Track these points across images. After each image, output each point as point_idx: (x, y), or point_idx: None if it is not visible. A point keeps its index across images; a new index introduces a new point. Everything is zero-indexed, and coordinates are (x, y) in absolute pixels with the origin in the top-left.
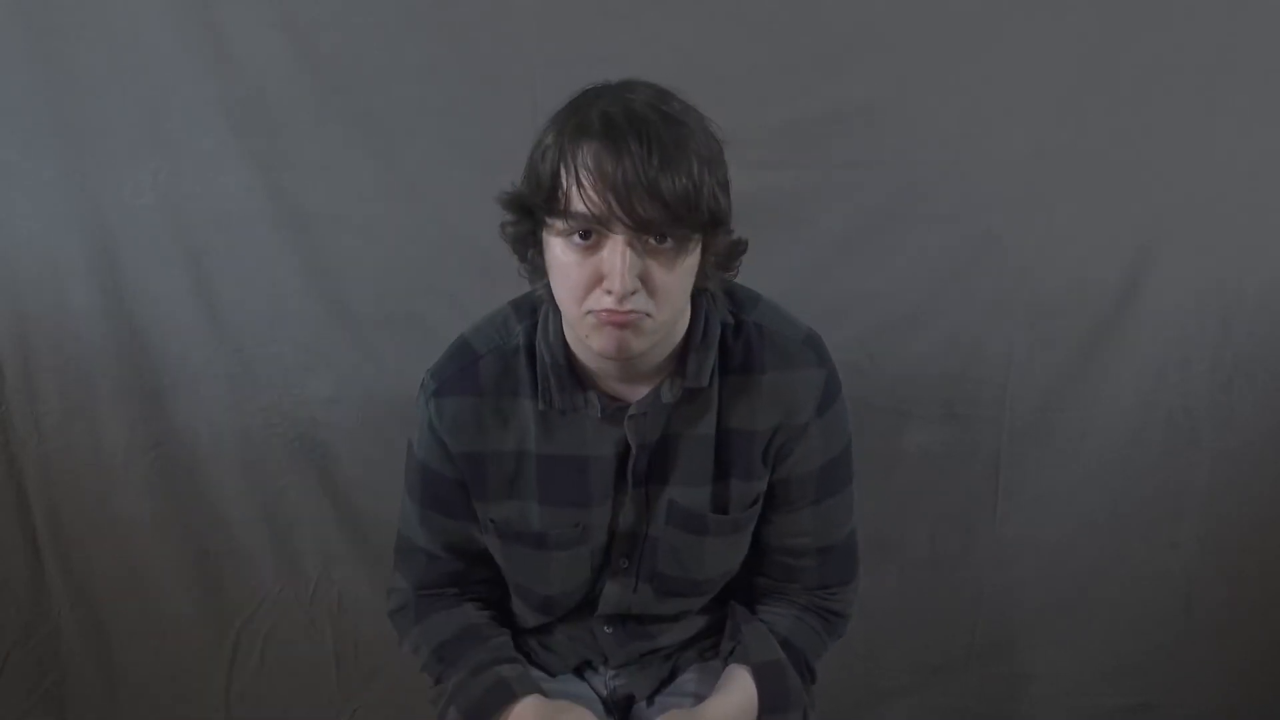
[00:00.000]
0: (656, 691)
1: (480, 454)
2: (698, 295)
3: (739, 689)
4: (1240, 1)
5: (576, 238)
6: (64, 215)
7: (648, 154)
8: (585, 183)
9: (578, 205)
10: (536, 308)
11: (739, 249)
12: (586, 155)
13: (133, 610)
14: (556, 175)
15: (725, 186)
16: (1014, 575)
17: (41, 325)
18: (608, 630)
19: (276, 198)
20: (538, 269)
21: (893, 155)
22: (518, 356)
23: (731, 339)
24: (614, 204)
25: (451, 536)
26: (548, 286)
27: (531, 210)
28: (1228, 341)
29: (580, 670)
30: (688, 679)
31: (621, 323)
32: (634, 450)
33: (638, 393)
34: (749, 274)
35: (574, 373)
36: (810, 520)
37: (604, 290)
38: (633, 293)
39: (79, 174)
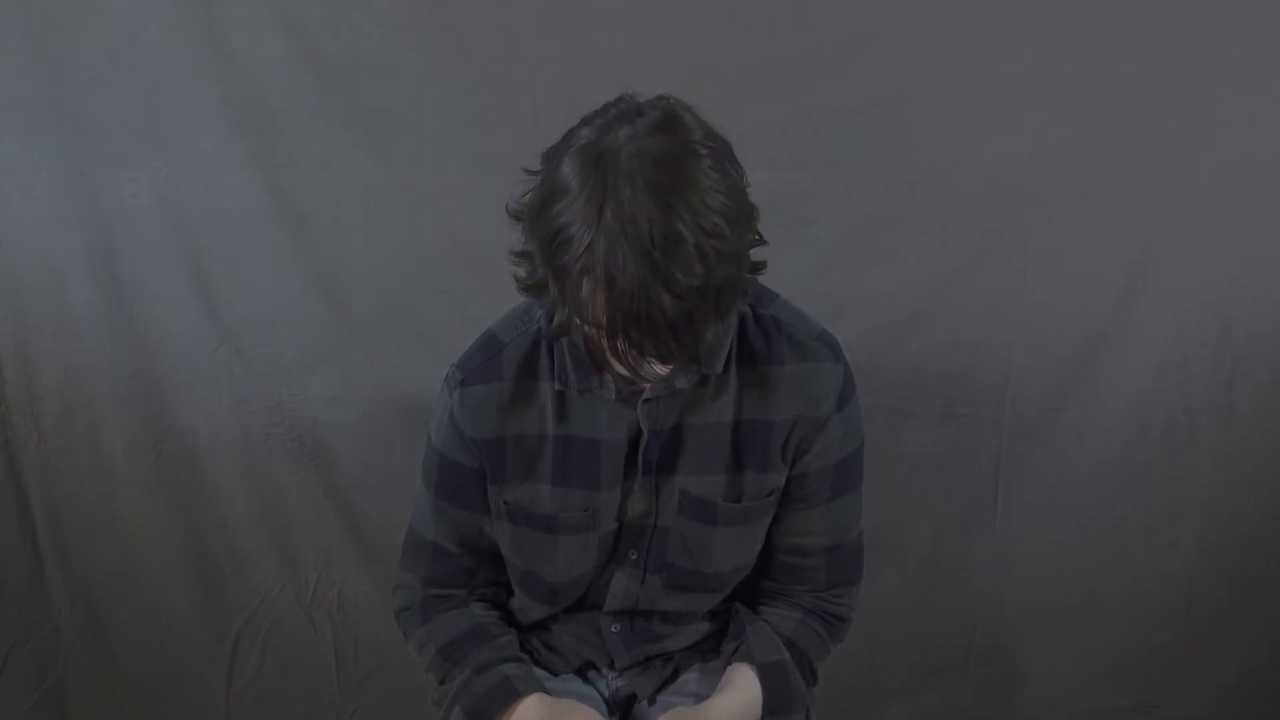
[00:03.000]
0: (659, 691)
1: (500, 438)
2: None
3: (743, 688)
4: (1240, 2)
5: None
6: (64, 215)
7: (664, 328)
8: (603, 326)
9: (597, 317)
10: None
11: (758, 270)
12: (600, 311)
13: (133, 610)
14: (576, 292)
15: (742, 268)
16: (1014, 575)
17: (41, 325)
18: (615, 629)
19: (276, 198)
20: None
21: (893, 155)
22: (539, 340)
23: (750, 329)
24: (629, 351)
25: (463, 529)
26: None
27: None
28: (1228, 341)
29: (583, 671)
30: (689, 678)
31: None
32: (646, 435)
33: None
34: None
35: (590, 353)
36: (823, 518)
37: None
38: None
39: (79, 173)
